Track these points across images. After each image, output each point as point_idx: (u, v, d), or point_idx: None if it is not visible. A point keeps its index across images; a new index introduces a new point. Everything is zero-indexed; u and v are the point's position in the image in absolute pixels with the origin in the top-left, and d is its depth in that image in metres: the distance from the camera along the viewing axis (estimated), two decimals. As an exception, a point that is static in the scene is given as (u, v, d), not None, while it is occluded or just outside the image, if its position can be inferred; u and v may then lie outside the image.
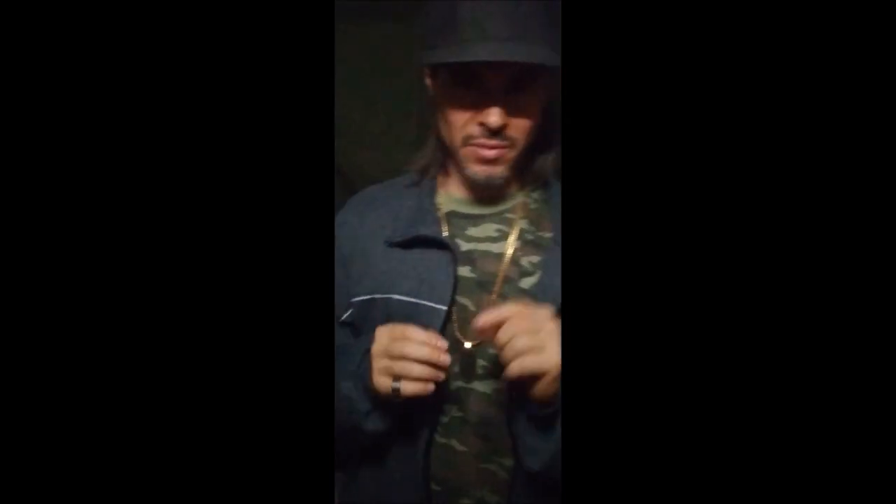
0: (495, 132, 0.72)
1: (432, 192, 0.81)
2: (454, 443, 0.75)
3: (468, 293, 0.76)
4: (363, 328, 0.78)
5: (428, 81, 0.78)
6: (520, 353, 0.65)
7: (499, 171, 0.75)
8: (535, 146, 0.78)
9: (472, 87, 0.71)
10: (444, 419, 0.76)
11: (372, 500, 0.79)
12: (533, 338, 0.65)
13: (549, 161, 0.80)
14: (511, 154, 0.75)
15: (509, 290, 0.75)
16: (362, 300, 0.79)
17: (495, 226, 0.79)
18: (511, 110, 0.72)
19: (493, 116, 0.70)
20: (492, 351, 0.73)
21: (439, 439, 0.76)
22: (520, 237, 0.78)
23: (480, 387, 0.75)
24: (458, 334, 0.75)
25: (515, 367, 0.65)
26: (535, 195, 0.82)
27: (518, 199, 0.81)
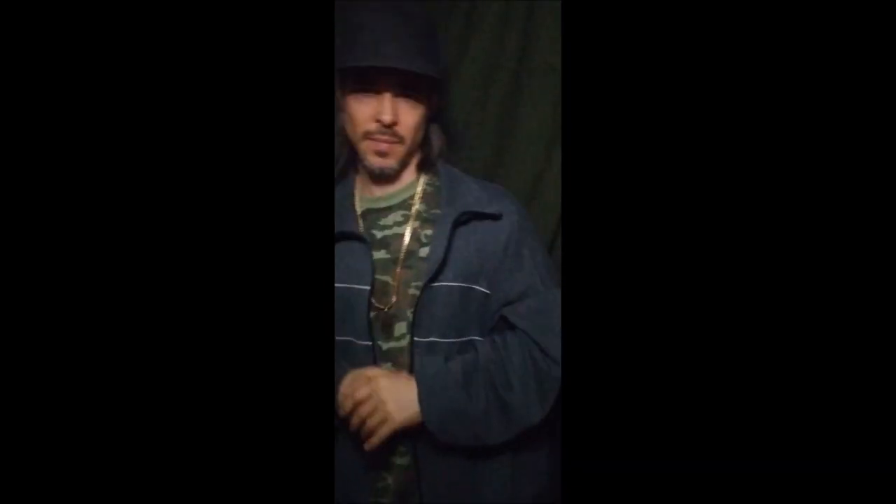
0: (388, 127, 0.92)
1: (351, 194, 1.01)
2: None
3: (387, 271, 0.96)
4: None
5: (337, 90, 0.97)
6: (372, 432, 0.87)
7: (390, 163, 0.96)
8: (420, 145, 0.99)
9: (370, 90, 0.92)
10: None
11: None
12: (374, 414, 0.87)
13: (434, 151, 1.01)
14: (400, 149, 0.95)
15: (412, 261, 0.95)
16: None
17: (401, 212, 0.99)
18: (400, 112, 0.93)
19: (386, 114, 0.91)
20: (404, 311, 0.94)
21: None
22: (417, 217, 0.98)
23: (402, 342, 0.94)
24: (376, 302, 0.95)
25: (375, 442, 0.87)
26: (429, 181, 1.02)
27: (416, 188, 1.01)
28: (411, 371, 0.91)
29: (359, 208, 1.00)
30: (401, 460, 0.93)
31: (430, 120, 0.99)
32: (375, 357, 0.92)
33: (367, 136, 0.93)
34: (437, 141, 1.01)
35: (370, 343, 0.92)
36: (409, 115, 0.93)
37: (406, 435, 0.90)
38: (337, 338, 0.93)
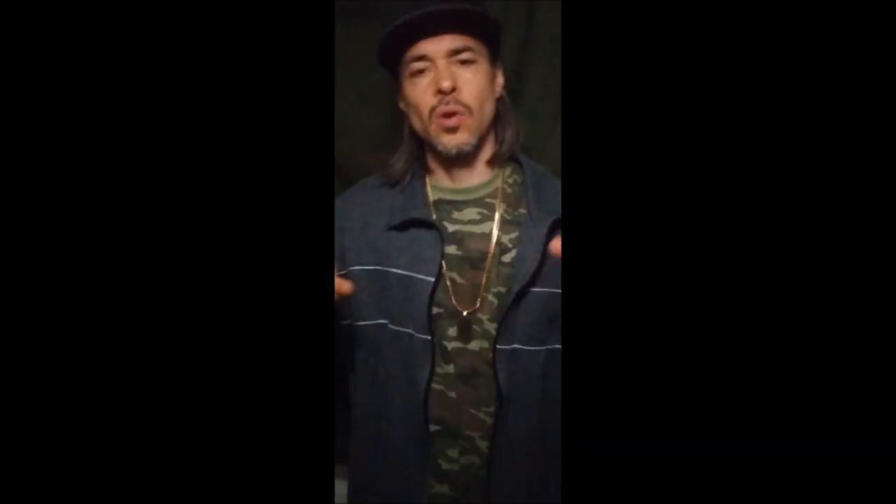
0: (449, 95, 0.87)
1: (422, 184, 0.95)
2: (450, 392, 0.90)
3: (456, 268, 0.91)
4: (359, 296, 0.90)
5: (394, 87, 0.94)
6: None
7: (464, 138, 0.89)
8: (494, 121, 0.93)
9: (421, 67, 0.88)
10: (441, 371, 0.90)
11: (372, 432, 0.93)
12: None
13: (509, 136, 0.94)
14: (469, 120, 0.89)
15: (494, 265, 0.89)
16: (363, 269, 0.92)
17: (477, 209, 0.93)
18: (458, 78, 0.87)
19: (444, 81, 0.86)
20: (480, 316, 0.89)
21: (436, 387, 0.90)
22: (500, 219, 0.92)
23: (472, 345, 0.89)
24: (454, 303, 0.90)
25: None
26: (510, 180, 0.96)
27: (495, 185, 0.94)
28: (489, 377, 0.87)
29: (432, 196, 0.95)
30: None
31: (497, 88, 0.93)
32: (434, 354, 0.88)
33: (433, 114, 0.88)
34: (510, 122, 0.95)
35: (430, 338, 0.87)
36: (469, 82, 0.88)
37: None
38: (391, 327, 0.90)
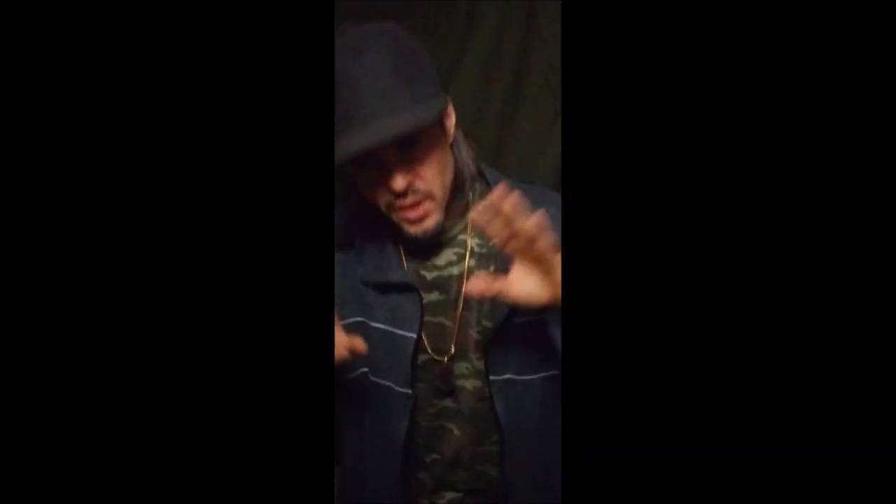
0: (405, 194, 0.77)
1: (391, 231, 0.86)
2: (450, 425, 0.88)
3: (443, 313, 0.86)
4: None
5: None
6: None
7: (432, 223, 0.80)
8: (456, 181, 0.83)
9: (371, 165, 0.76)
10: (438, 405, 0.88)
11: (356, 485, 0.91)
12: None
13: (468, 168, 0.84)
14: (433, 205, 0.79)
15: (473, 302, 0.85)
16: (346, 322, 0.87)
17: (453, 250, 0.86)
18: (412, 169, 0.77)
19: (396, 182, 0.75)
20: (470, 355, 0.86)
21: (436, 423, 0.88)
22: (472, 255, 0.86)
23: (468, 384, 0.87)
24: (431, 353, 0.86)
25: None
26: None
27: (465, 219, 0.86)
28: (488, 412, 0.85)
29: (403, 249, 0.87)
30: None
31: (449, 133, 0.81)
32: (411, 406, 0.85)
33: (391, 208, 0.79)
34: (467, 158, 0.84)
35: (410, 392, 0.84)
36: (427, 167, 0.77)
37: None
38: (372, 378, 0.86)
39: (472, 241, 0.86)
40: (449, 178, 0.81)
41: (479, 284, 0.74)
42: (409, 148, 0.75)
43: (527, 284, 0.74)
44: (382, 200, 0.79)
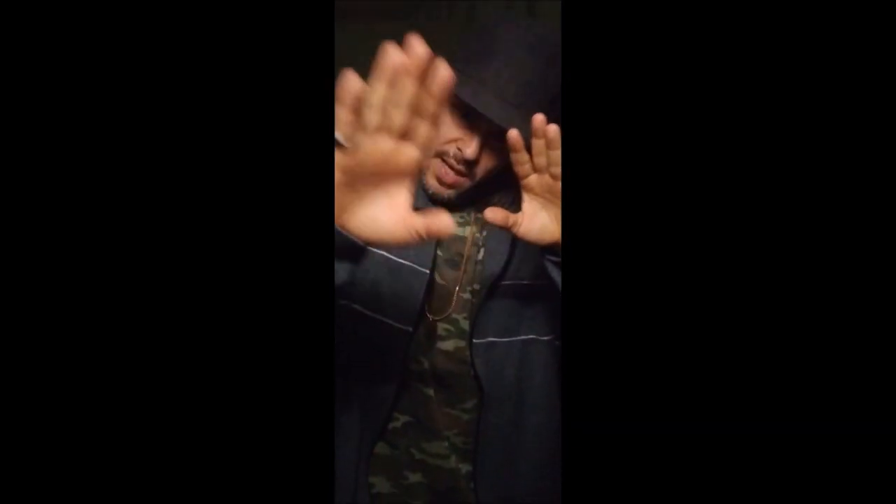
0: (464, 162, 0.83)
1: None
2: (426, 389, 0.92)
3: (439, 269, 0.91)
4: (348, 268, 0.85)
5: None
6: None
7: (452, 193, 0.87)
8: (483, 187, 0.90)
9: (467, 118, 0.82)
10: (415, 368, 0.91)
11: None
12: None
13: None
14: (465, 184, 0.86)
15: (470, 264, 0.90)
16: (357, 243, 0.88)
17: (458, 214, 0.92)
18: (483, 150, 0.83)
19: (469, 149, 0.81)
20: (455, 316, 0.90)
21: (410, 382, 0.91)
22: (476, 220, 0.91)
23: (447, 345, 0.90)
24: (426, 308, 0.89)
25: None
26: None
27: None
28: (464, 375, 0.89)
29: (428, 193, 0.91)
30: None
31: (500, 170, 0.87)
32: (408, 344, 0.87)
33: (439, 155, 0.84)
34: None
35: (411, 329, 0.86)
36: (488, 159, 0.84)
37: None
38: (367, 313, 0.88)
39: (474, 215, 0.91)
40: (491, 171, 0.87)
41: (498, 213, 0.75)
42: (498, 136, 0.79)
43: (538, 220, 0.77)
44: (440, 146, 0.83)
